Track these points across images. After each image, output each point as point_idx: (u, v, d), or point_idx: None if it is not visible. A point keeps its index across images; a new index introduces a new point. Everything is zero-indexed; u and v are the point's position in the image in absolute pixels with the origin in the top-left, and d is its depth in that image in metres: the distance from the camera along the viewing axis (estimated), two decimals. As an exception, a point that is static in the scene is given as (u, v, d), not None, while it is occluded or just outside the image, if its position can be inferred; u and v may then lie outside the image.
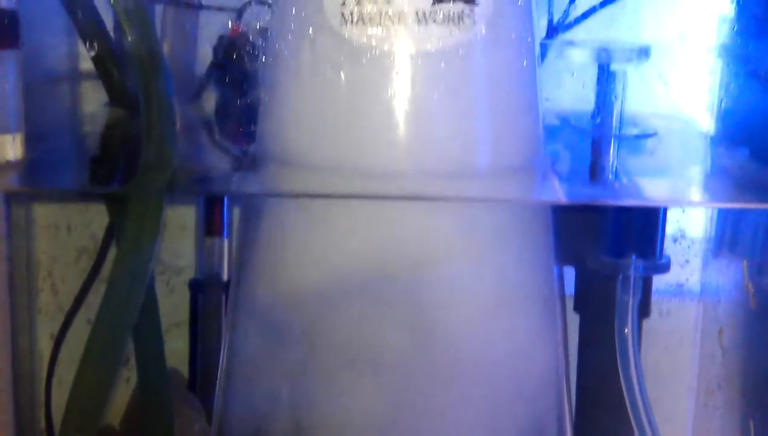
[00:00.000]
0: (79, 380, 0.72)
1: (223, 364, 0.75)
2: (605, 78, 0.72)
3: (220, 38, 0.80)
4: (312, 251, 0.68)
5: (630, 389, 0.78)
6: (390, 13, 0.63)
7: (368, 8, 0.63)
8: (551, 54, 0.77)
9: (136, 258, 0.71)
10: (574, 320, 0.85)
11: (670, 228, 0.94)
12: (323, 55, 0.65)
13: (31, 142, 0.69)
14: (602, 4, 0.84)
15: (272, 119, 0.69)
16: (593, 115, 0.73)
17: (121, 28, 0.70)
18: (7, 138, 0.68)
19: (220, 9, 0.81)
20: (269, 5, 0.71)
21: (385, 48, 0.63)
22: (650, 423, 0.78)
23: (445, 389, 0.68)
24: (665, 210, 0.80)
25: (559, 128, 0.80)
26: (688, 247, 0.99)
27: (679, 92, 0.84)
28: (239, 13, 0.79)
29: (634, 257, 0.79)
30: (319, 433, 0.69)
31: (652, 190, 0.74)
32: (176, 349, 0.95)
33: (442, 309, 0.67)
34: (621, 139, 0.73)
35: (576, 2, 0.82)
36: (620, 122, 0.72)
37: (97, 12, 0.76)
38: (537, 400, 0.72)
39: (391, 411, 0.68)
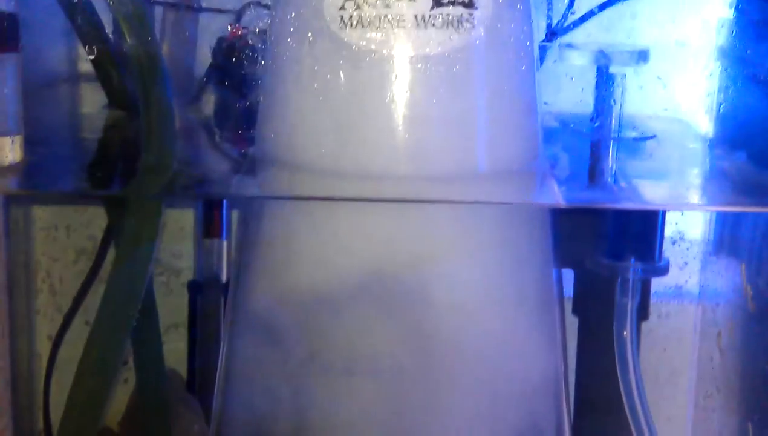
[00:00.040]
0: (77, 381, 0.72)
1: (221, 365, 0.75)
2: (604, 81, 0.72)
3: (220, 40, 0.80)
4: (310, 254, 0.68)
5: (629, 391, 0.78)
6: (389, 16, 0.63)
7: (367, 12, 0.63)
8: (550, 57, 0.77)
9: (135, 260, 0.71)
10: (573, 323, 0.85)
11: (669, 231, 0.94)
12: (322, 59, 0.65)
13: (30, 144, 0.69)
14: (601, 8, 0.84)
15: (271, 122, 0.69)
16: (592, 118, 0.73)
17: (120, 31, 0.70)
18: (7, 141, 0.68)
19: (220, 11, 0.81)
20: (268, 8, 0.71)
21: (385, 52, 0.63)
22: (649, 425, 0.78)
23: (444, 391, 0.68)
24: (664, 213, 0.80)
25: (558, 131, 0.79)
26: (687, 249, 0.99)
27: (678, 95, 0.84)
28: (239, 15, 0.79)
29: (632, 259, 0.79)
30: (318, 434, 0.69)
31: (651, 193, 0.74)
32: (175, 350, 0.95)
33: (442, 312, 0.67)
34: (620, 142, 0.73)
35: (575, 6, 0.82)
36: (619, 125, 0.72)
37: (96, 14, 0.76)
38: (536, 402, 0.72)
39: (391, 412, 0.68)
